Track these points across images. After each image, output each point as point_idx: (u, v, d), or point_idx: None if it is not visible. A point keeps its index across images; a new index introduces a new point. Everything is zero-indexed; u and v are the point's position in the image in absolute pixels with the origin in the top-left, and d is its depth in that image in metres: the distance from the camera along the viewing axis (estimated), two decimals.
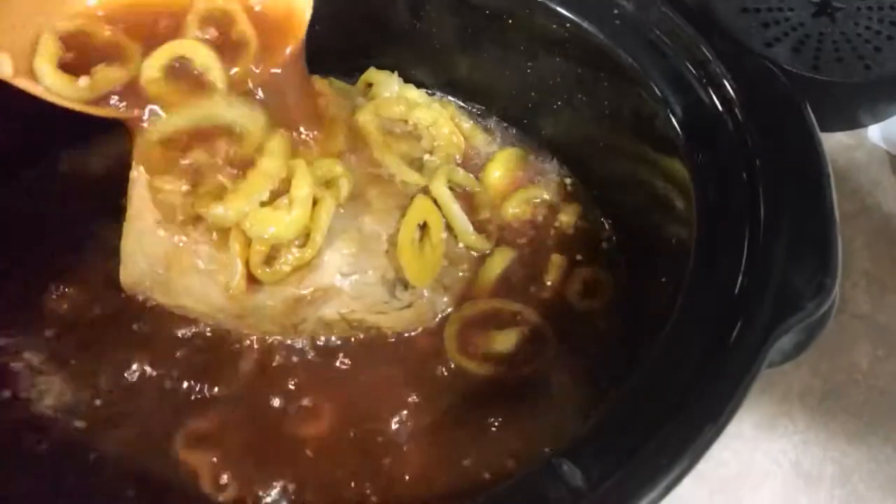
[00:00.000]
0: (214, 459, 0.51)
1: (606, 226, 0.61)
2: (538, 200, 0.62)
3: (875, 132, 0.72)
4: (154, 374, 0.54)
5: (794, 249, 0.43)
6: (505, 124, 0.65)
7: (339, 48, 0.61)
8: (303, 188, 0.49)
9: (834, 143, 0.73)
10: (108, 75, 0.49)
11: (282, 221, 0.49)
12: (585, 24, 0.52)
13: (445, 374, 0.55)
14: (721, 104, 0.48)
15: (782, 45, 0.70)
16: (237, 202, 0.49)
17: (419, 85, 0.64)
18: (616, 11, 0.51)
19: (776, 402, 0.63)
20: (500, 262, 0.60)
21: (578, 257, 0.60)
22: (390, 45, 0.62)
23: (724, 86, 0.48)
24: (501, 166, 0.62)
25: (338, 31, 0.59)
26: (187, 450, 0.52)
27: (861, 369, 0.64)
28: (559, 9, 0.52)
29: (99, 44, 0.50)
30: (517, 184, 0.63)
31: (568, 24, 0.52)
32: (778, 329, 0.41)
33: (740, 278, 0.43)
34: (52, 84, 0.48)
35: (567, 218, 0.62)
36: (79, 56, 0.49)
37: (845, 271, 0.66)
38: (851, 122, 0.73)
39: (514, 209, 0.62)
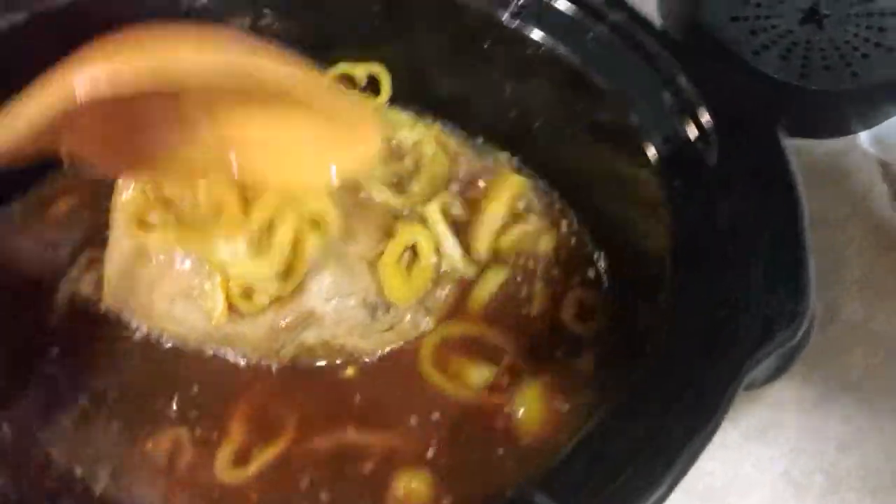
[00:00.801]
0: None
1: (594, 249, 0.61)
2: (530, 228, 0.62)
3: (865, 138, 0.72)
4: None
5: (768, 278, 0.43)
6: (491, 145, 0.65)
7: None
8: (286, 234, 0.50)
9: (824, 149, 0.73)
10: None
11: (260, 269, 0.50)
12: (560, 48, 0.52)
13: (420, 400, 0.55)
14: (697, 131, 0.48)
15: (770, 52, 0.71)
16: (212, 252, 0.50)
17: (402, 107, 0.64)
18: (591, 35, 0.52)
19: (767, 411, 0.63)
20: (493, 282, 0.60)
21: (570, 280, 0.60)
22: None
23: (700, 113, 0.48)
24: (502, 193, 0.62)
25: (319, 52, 0.60)
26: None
27: (854, 377, 0.64)
28: (533, 32, 0.53)
29: None
30: (511, 209, 0.63)
31: (542, 49, 0.52)
32: (752, 359, 0.42)
33: (715, 309, 0.43)
34: None
35: (554, 242, 0.62)
36: None
37: (837, 278, 0.67)
38: (841, 129, 0.73)
39: (506, 235, 0.62)
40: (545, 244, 0.62)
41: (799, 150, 0.72)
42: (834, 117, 0.73)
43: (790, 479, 0.60)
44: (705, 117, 0.48)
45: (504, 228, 0.61)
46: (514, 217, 0.62)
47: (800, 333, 0.42)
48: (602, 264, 0.60)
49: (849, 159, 0.73)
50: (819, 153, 0.73)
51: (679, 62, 0.50)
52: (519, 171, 0.64)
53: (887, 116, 0.72)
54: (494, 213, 0.61)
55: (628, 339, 0.54)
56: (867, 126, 0.73)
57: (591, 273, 0.61)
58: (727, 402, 0.41)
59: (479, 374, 0.56)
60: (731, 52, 0.70)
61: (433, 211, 0.58)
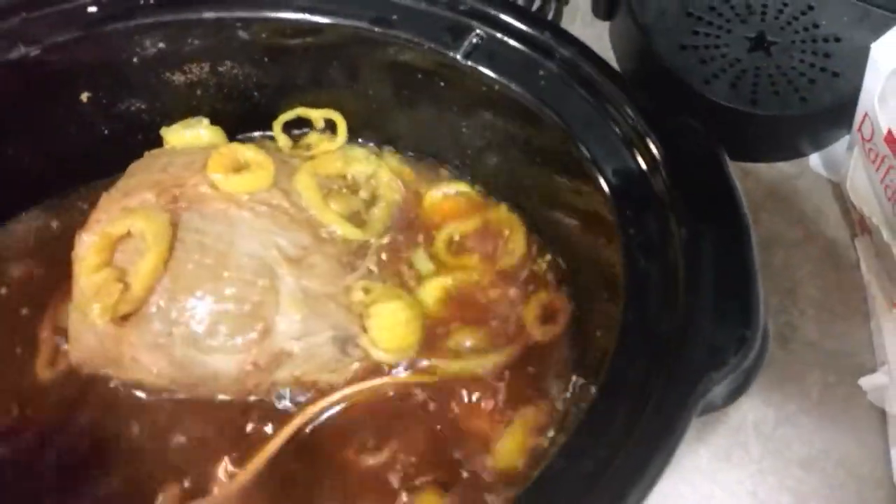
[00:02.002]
0: None
1: (558, 274, 0.62)
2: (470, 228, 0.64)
3: (816, 160, 0.74)
4: None
5: (717, 305, 0.44)
6: (451, 174, 0.66)
7: (273, 110, 0.63)
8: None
9: (776, 172, 0.74)
10: None
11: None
12: (513, 86, 0.53)
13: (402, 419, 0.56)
14: (645, 163, 0.49)
15: (720, 81, 0.72)
16: None
17: (362, 143, 0.65)
18: (541, 72, 0.53)
19: (731, 433, 0.64)
20: (437, 287, 0.61)
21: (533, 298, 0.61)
22: (329, 106, 0.63)
23: (648, 144, 0.49)
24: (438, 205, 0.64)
25: (275, 91, 0.61)
26: None
27: (812, 397, 0.65)
28: (486, 71, 0.54)
29: None
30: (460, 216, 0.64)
31: (496, 87, 0.53)
32: (702, 384, 0.42)
33: (665, 335, 0.44)
34: None
35: (513, 260, 0.63)
36: None
37: (793, 300, 0.69)
38: (792, 152, 0.75)
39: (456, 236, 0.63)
40: (506, 261, 0.63)
41: (752, 173, 0.74)
42: (785, 141, 0.74)
43: (758, 500, 0.61)
44: (653, 148, 0.49)
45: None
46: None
47: (750, 358, 0.43)
48: (564, 288, 0.61)
49: (801, 181, 0.74)
50: (772, 176, 0.74)
51: (626, 94, 0.51)
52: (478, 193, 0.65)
53: (836, 138, 0.74)
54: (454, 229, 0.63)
55: (586, 363, 0.54)
56: (817, 148, 0.75)
57: (553, 293, 0.61)
58: (682, 427, 0.42)
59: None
60: (681, 82, 0.72)
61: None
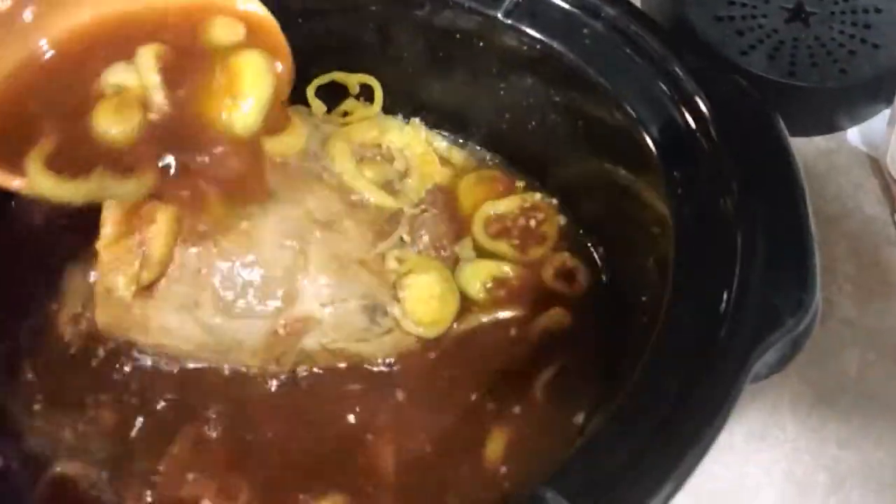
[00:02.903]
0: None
1: (590, 246, 0.61)
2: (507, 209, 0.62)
3: (854, 135, 0.72)
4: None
5: (772, 267, 0.43)
6: (483, 148, 0.64)
7: (307, 76, 0.61)
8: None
9: (813, 147, 0.73)
10: None
11: None
12: (555, 45, 0.51)
13: (434, 400, 0.55)
14: (695, 123, 0.48)
15: (757, 52, 0.71)
16: None
17: (392, 111, 0.63)
18: (586, 31, 0.51)
19: (766, 412, 0.62)
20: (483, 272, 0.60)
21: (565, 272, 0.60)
22: (363, 72, 0.61)
23: (697, 103, 0.48)
24: (474, 185, 0.63)
25: (307, 56, 0.59)
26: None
27: (850, 375, 0.64)
28: (528, 29, 0.52)
29: None
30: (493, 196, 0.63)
31: (538, 46, 0.52)
32: (759, 347, 0.41)
33: (719, 298, 0.43)
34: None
35: (551, 239, 0.62)
36: None
37: (830, 276, 0.67)
38: (830, 126, 0.73)
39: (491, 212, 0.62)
40: (542, 239, 0.62)
41: None
42: (822, 114, 0.73)
43: (794, 480, 0.60)
44: (702, 107, 0.48)
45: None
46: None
47: (805, 321, 0.41)
48: (598, 259, 0.60)
49: (839, 156, 0.73)
50: (809, 151, 0.73)
51: (674, 54, 0.49)
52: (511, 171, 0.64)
53: (875, 112, 0.72)
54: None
55: (629, 334, 0.53)
56: (856, 122, 0.73)
57: (588, 266, 0.60)
58: (736, 393, 0.41)
59: None
60: (717, 54, 0.70)
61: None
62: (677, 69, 0.49)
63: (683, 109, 0.48)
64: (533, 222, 0.62)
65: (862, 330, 0.65)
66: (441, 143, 0.64)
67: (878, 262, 0.68)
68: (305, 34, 0.58)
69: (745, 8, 0.73)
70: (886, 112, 0.71)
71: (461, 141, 0.65)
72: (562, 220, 0.62)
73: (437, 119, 0.64)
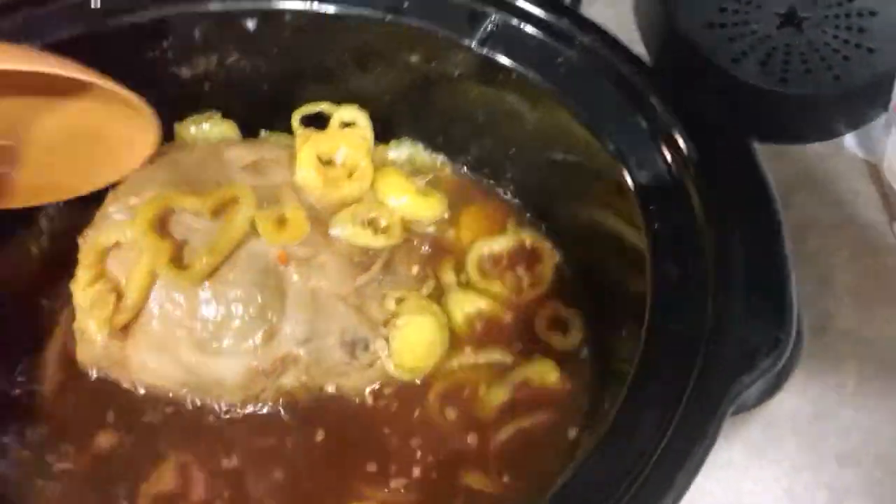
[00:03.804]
0: None
1: (574, 274, 0.61)
2: (502, 248, 0.62)
3: (851, 140, 0.71)
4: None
5: (749, 306, 0.43)
6: (469, 171, 0.64)
7: (288, 103, 0.61)
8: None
9: (810, 153, 0.72)
10: None
11: None
12: (530, 74, 0.51)
13: (417, 437, 0.55)
14: (671, 155, 0.47)
15: (749, 59, 0.69)
16: None
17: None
18: (560, 60, 0.50)
19: (765, 428, 0.62)
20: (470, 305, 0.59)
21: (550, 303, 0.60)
22: (343, 98, 0.61)
23: (675, 136, 0.47)
24: (470, 221, 0.63)
25: (287, 84, 0.59)
26: None
27: (848, 389, 0.63)
28: (502, 59, 0.52)
29: None
30: (484, 232, 0.62)
31: (513, 75, 0.51)
32: (734, 387, 0.41)
33: (696, 337, 0.42)
34: None
35: (544, 274, 0.61)
36: None
37: (829, 287, 0.66)
38: (827, 132, 0.72)
39: (486, 251, 0.62)
40: (537, 281, 0.61)
41: (785, 155, 0.71)
42: (818, 121, 0.71)
43: (793, 497, 0.59)
44: (679, 140, 0.47)
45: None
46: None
47: (783, 360, 0.41)
48: (581, 289, 0.60)
49: (836, 163, 0.72)
50: (805, 158, 0.72)
51: (650, 83, 0.48)
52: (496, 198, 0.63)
53: (872, 117, 0.71)
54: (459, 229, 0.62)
55: (609, 367, 0.53)
56: (853, 127, 0.71)
57: (570, 297, 0.60)
58: (713, 431, 0.40)
59: (497, 394, 0.56)
60: (709, 61, 0.69)
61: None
62: (655, 100, 0.48)
63: (660, 141, 0.48)
64: (526, 264, 0.62)
65: (861, 341, 0.64)
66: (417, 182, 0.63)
67: (877, 270, 0.67)
68: (283, 62, 0.58)
69: (737, 14, 0.71)
70: (883, 117, 0.69)
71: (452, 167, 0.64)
72: (557, 257, 0.62)
73: (426, 145, 0.63)
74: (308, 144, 0.58)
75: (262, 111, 0.62)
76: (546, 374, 0.57)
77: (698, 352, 0.42)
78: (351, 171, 0.58)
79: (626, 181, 0.48)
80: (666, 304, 0.44)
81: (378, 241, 0.57)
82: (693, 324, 0.43)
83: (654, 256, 0.45)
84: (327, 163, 0.59)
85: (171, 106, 0.60)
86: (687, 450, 0.40)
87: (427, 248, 0.61)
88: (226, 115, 0.61)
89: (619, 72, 0.50)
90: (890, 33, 0.66)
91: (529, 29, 0.52)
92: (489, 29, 0.52)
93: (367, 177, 0.58)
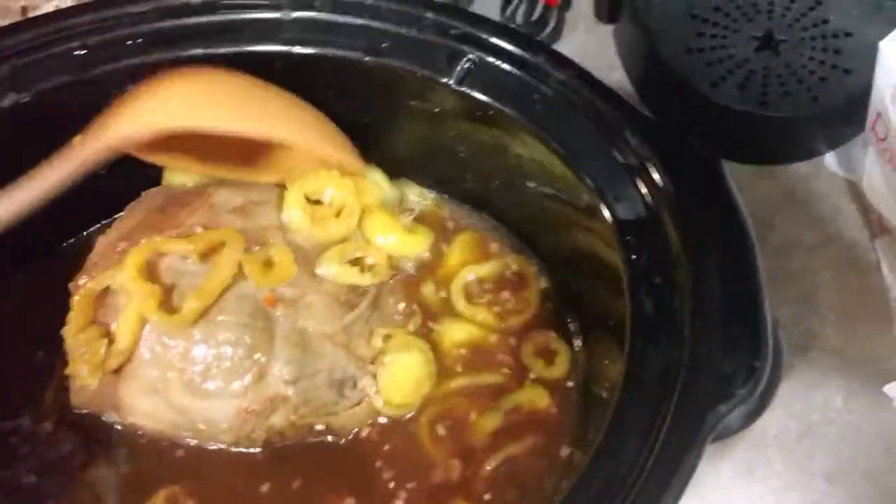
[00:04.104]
0: None
1: (558, 302, 0.61)
2: (487, 272, 0.62)
3: (832, 159, 0.72)
4: None
5: (724, 335, 0.43)
6: (455, 203, 0.65)
7: None
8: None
9: (792, 173, 0.72)
10: None
11: None
12: (507, 110, 0.52)
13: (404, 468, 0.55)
14: (646, 188, 0.48)
15: (728, 83, 0.71)
16: None
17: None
18: (536, 96, 0.51)
19: (752, 447, 0.62)
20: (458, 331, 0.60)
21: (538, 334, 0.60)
22: None
23: (648, 168, 0.48)
24: (457, 251, 0.63)
25: None
26: None
27: (835, 406, 0.63)
28: (480, 96, 0.52)
29: None
30: (470, 261, 0.63)
31: (491, 112, 0.52)
32: (710, 417, 0.41)
33: (674, 367, 0.43)
34: None
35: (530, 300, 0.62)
36: None
37: (812, 306, 0.67)
38: (807, 152, 0.73)
39: (471, 276, 0.62)
40: (523, 307, 0.62)
41: (766, 176, 0.72)
42: (798, 142, 0.72)
43: None
44: (655, 174, 0.48)
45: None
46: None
47: (760, 387, 0.42)
48: (567, 317, 0.60)
49: (818, 182, 0.72)
50: (787, 178, 0.72)
51: (625, 117, 0.49)
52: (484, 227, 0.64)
53: (851, 136, 0.72)
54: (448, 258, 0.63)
55: (594, 395, 0.54)
56: (833, 147, 0.73)
57: (556, 324, 0.61)
58: (692, 462, 0.41)
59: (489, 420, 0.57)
60: (688, 86, 0.70)
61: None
62: (628, 134, 0.49)
63: (635, 174, 0.48)
64: (511, 289, 0.62)
65: (846, 359, 0.65)
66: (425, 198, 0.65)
67: (860, 288, 0.68)
68: None
69: (715, 39, 0.73)
70: (862, 135, 0.70)
71: (445, 197, 0.65)
72: (543, 283, 0.62)
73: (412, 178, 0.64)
74: (296, 185, 0.58)
75: None
76: (536, 400, 0.58)
77: (676, 382, 0.43)
78: (338, 211, 0.59)
79: (603, 213, 0.48)
80: (644, 334, 0.45)
81: (365, 280, 0.58)
82: (670, 354, 0.43)
83: (632, 287, 0.46)
84: (315, 202, 0.59)
85: None
86: (667, 479, 0.40)
87: (413, 277, 0.61)
88: None
89: (594, 106, 0.50)
90: (865, 53, 0.67)
91: (506, 66, 0.52)
92: (466, 67, 0.53)
93: (355, 215, 0.59)
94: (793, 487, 0.61)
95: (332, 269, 0.57)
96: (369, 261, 0.59)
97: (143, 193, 0.60)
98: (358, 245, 0.59)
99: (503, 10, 0.78)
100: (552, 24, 0.78)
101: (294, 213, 0.58)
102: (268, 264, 0.55)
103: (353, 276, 0.57)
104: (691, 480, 0.58)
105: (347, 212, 0.59)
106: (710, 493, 0.61)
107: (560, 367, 0.58)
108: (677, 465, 0.40)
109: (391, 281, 0.60)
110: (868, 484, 0.61)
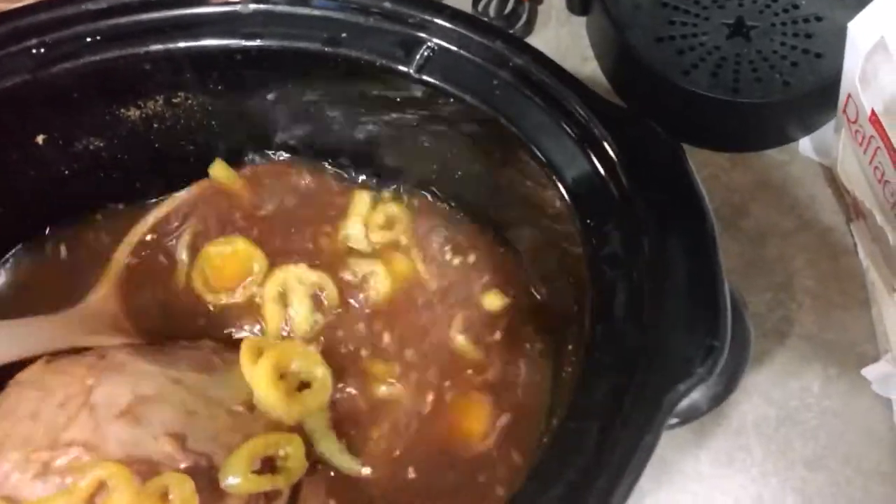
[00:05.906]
0: None
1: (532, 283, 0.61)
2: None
3: (806, 144, 0.72)
4: None
5: (684, 315, 0.43)
6: (417, 191, 0.64)
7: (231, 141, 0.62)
8: None
9: (766, 160, 0.72)
10: None
11: None
12: (468, 97, 0.51)
13: None
14: (605, 170, 0.47)
15: (700, 71, 0.70)
16: None
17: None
18: (496, 82, 0.51)
19: (732, 436, 0.62)
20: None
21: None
22: (287, 131, 0.61)
23: (606, 149, 0.47)
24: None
25: (234, 120, 0.60)
26: None
27: (813, 392, 0.63)
28: (440, 83, 0.52)
29: None
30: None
31: (452, 99, 0.52)
32: (670, 395, 0.41)
33: (633, 350, 0.42)
34: None
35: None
36: None
37: (789, 292, 0.66)
38: (782, 138, 0.72)
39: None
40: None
41: (741, 163, 0.72)
42: (772, 128, 0.72)
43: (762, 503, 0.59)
44: (610, 152, 0.47)
45: None
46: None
47: (718, 366, 0.41)
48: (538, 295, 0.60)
49: (792, 168, 0.72)
50: (761, 165, 0.72)
51: (581, 98, 0.49)
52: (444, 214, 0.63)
53: (825, 121, 0.71)
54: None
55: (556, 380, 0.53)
56: (806, 132, 0.72)
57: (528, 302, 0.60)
58: (651, 440, 0.40)
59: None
60: (660, 75, 0.70)
61: None
62: (583, 114, 0.48)
63: (592, 156, 0.48)
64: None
65: (823, 344, 0.65)
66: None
67: (836, 273, 0.67)
68: (230, 99, 0.59)
69: (686, 27, 0.72)
70: (835, 120, 0.70)
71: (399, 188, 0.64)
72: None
73: (372, 171, 0.63)
74: (264, 358, 0.53)
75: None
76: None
77: (636, 362, 0.42)
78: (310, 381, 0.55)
79: (563, 195, 0.48)
80: (604, 317, 0.44)
81: (278, 482, 0.51)
82: (630, 336, 0.43)
83: (592, 270, 0.46)
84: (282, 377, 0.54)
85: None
86: (626, 458, 0.40)
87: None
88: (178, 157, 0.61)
89: (554, 91, 0.50)
90: (835, 37, 0.67)
91: (464, 53, 0.52)
92: (426, 55, 0.52)
93: (328, 387, 0.55)
94: (773, 474, 0.60)
95: (237, 479, 0.49)
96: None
97: (10, 384, 0.52)
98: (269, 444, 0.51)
99: (475, 4, 0.78)
100: (524, 17, 0.78)
101: (266, 392, 0.52)
102: (164, 497, 0.46)
103: (264, 482, 0.50)
104: (672, 469, 0.59)
105: (319, 384, 0.55)
106: (689, 482, 0.61)
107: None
108: (636, 443, 0.39)
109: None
110: (848, 469, 0.60)
